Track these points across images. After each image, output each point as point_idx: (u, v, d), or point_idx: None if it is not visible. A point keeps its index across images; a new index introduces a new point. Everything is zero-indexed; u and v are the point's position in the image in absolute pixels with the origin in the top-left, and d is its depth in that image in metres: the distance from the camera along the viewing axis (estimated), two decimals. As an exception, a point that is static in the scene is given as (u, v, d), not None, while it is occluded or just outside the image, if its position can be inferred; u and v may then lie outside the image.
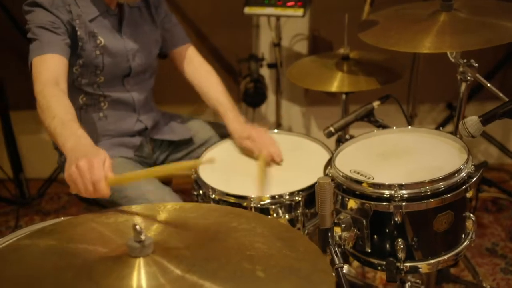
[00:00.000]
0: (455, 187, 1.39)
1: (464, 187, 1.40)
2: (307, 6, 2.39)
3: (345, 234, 1.43)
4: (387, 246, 1.43)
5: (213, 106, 1.97)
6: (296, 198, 1.60)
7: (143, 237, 0.95)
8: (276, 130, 2.01)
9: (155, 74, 1.98)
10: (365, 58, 2.12)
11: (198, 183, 1.72)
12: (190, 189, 1.79)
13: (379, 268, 1.46)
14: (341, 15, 2.01)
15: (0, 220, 2.88)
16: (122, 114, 1.86)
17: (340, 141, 2.02)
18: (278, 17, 2.58)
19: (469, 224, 1.46)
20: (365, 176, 1.46)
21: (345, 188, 1.46)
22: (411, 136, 1.66)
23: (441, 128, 1.65)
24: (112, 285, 0.92)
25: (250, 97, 2.72)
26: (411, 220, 1.40)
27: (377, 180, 1.44)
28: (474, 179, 1.41)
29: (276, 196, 1.59)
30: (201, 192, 1.70)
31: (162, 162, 2.02)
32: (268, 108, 2.99)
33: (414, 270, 1.45)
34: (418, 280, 1.67)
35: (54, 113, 1.46)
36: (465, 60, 1.67)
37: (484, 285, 2.04)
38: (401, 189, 1.37)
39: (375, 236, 1.44)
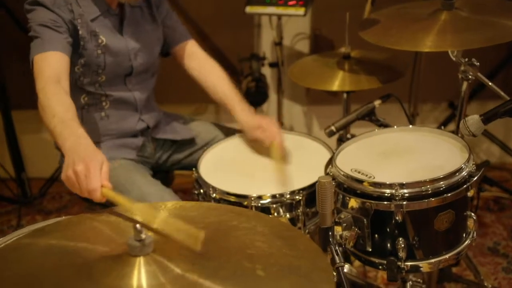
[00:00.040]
0: (456, 186, 1.39)
1: (465, 186, 1.40)
2: (308, 5, 2.39)
3: (346, 233, 1.43)
4: (388, 245, 1.43)
5: (221, 99, 1.95)
6: (297, 197, 1.60)
7: (143, 236, 0.95)
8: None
9: (157, 73, 1.98)
10: (366, 57, 2.12)
11: (199, 182, 1.72)
12: (191, 188, 1.79)
13: (380, 267, 1.46)
14: (342, 14, 2.01)
15: (2, 220, 2.89)
16: (124, 113, 1.86)
17: (341, 140, 2.02)
18: (279, 16, 2.58)
19: (470, 223, 1.46)
20: (366, 175, 1.46)
21: (346, 187, 1.46)
22: (412, 135, 1.65)
23: (442, 127, 1.65)
24: (112, 284, 0.91)
25: (251, 96, 2.72)
26: (412, 219, 1.39)
27: (378, 179, 1.43)
28: (475, 178, 1.41)
29: (277, 195, 1.59)
30: (202, 191, 1.70)
31: (165, 162, 2.02)
32: (270, 107, 2.98)
33: (415, 270, 1.44)
34: (419, 279, 1.67)
35: (54, 112, 1.46)
36: (466, 59, 1.66)
37: (486, 284, 2.04)
38: (402, 188, 1.37)
39: (376, 235, 1.43)
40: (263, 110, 2.99)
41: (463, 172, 1.40)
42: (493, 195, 2.75)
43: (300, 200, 1.60)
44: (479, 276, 2.07)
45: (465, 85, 1.72)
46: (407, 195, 1.37)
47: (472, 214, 1.46)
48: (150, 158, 1.96)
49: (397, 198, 1.37)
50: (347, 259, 1.88)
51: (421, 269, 1.44)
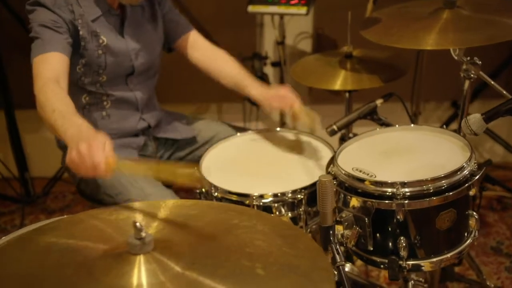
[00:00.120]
0: (457, 185, 1.38)
1: (466, 185, 1.39)
2: (310, 4, 2.39)
3: (347, 232, 1.43)
4: (390, 244, 1.43)
5: (232, 80, 1.94)
6: (299, 196, 1.59)
7: (143, 234, 0.96)
8: (278, 128, 2.01)
9: (158, 72, 1.99)
10: (368, 56, 2.12)
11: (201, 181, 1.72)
12: (193, 187, 1.79)
13: (382, 266, 1.45)
14: (344, 13, 2.01)
15: (6, 219, 2.90)
16: (125, 113, 1.87)
17: (343, 139, 2.02)
18: (281, 16, 2.58)
19: (472, 222, 1.46)
20: (368, 174, 1.46)
21: (347, 186, 1.46)
22: (413, 134, 1.65)
23: (444, 126, 1.64)
24: (112, 282, 0.92)
25: (253, 96, 2.72)
26: (413, 218, 1.39)
27: (380, 178, 1.43)
28: (477, 177, 1.41)
29: (279, 194, 1.59)
30: (203, 190, 1.70)
31: (166, 161, 2.02)
32: (272, 106, 2.98)
33: (416, 269, 1.44)
34: (421, 279, 1.66)
35: (54, 107, 1.47)
36: (468, 58, 1.66)
37: (488, 283, 2.03)
38: (403, 187, 1.37)
39: (377, 234, 1.43)
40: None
41: (465, 171, 1.40)
42: (496, 194, 2.74)
43: (301, 199, 1.60)
44: (481, 275, 2.06)
45: (467, 83, 1.71)
46: (408, 194, 1.37)
47: (474, 213, 1.45)
48: (151, 157, 1.96)
49: (398, 197, 1.37)
50: (349, 259, 1.88)
51: (423, 268, 1.44)
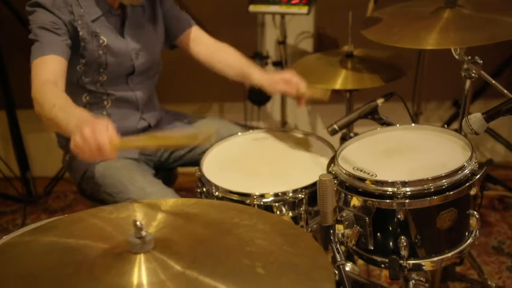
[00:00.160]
0: (458, 184, 1.38)
1: (467, 184, 1.39)
2: (312, 3, 2.39)
3: (347, 231, 1.43)
4: (390, 243, 1.42)
5: (235, 71, 1.96)
6: (299, 195, 1.59)
7: (143, 233, 0.95)
8: (279, 128, 2.01)
9: (159, 72, 1.99)
10: (369, 56, 2.11)
11: (202, 180, 1.72)
12: (194, 187, 1.79)
13: (382, 265, 1.45)
14: (346, 12, 2.01)
15: (8, 218, 2.90)
16: (125, 112, 1.87)
17: (344, 139, 2.02)
18: (283, 15, 2.58)
19: (472, 221, 1.45)
20: (368, 174, 1.46)
21: (348, 185, 1.46)
22: (414, 134, 1.65)
23: (445, 126, 1.64)
24: (112, 281, 0.92)
25: (255, 95, 2.73)
26: (414, 217, 1.39)
27: (380, 177, 1.43)
28: (478, 176, 1.40)
29: (279, 194, 1.59)
30: (204, 189, 1.70)
31: (167, 159, 2.02)
32: (274, 106, 2.99)
33: (417, 268, 1.44)
34: (422, 278, 1.66)
35: (53, 102, 1.48)
36: (469, 57, 1.66)
37: (490, 283, 2.03)
38: (404, 186, 1.37)
39: (378, 234, 1.43)
40: (267, 110, 3.00)
41: (466, 170, 1.40)
42: (497, 194, 2.74)
43: (302, 198, 1.60)
44: (482, 275, 2.06)
45: (468, 83, 1.71)
46: (409, 193, 1.37)
47: (475, 212, 1.45)
48: (152, 156, 1.96)
49: (399, 196, 1.36)
50: (350, 258, 1.88)
51: (424, 267, 1.44)
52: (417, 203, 1.37)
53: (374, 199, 1.39)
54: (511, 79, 2.78)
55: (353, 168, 1.49)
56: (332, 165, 1.54)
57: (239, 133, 1.96)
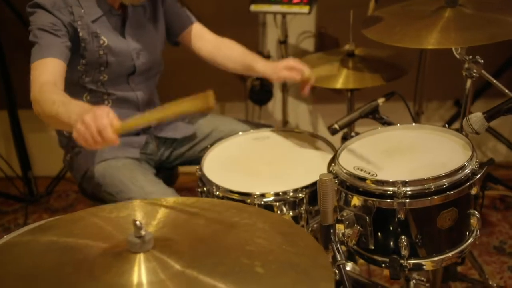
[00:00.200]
0: (459, 184, 1.38)
1: (468, 184, 1.39)
2: (313, 3, 2.39)
3: (348, 231, 1.43)
4: (391, 243, 1.42)
5: (238, 63, 1.97)
6: (300, 195, 1.59)
7: (143, 232, 0.96)
8: (280, 127, 2.01)
9: (161, 71, 1.99)
10: (370, 55, 2.11)
11: (203, 180, 1.72)
12: (195, 186, 1.80)
13: (383, 265, 1.45)
14: (347, 12, 2.01)
15: (9, 218, 2.91)
16: (126, 112, 1.86)
17: (345, 138, 2.02)
18: (284, 15, 2.58)
19: (473, 221, 1.45)
20: (369, 173, 1.46)
21: (349, 185, 1.46)
22: (415, 133, 1.65)
23: (446, 125, 1.64)
24: (112, 280, 0.92)
25: (256, 95, 2.73)
26: (414, 217, 1.39)
27: (381, 177, 1.43)
28: (478, 176, 1.40)
29: (280, 193, 1.59)
30: (205, 189, 1.70)
31: (168, 158, 2.03)
32: (275, 105, 2.98)
33: (418, 268, 1.44)
34: (423, 278, 1.66)
35: (53, 99, 1.49)
36: (470, 57, 1.65)
37: (491, 283, 2.03)
38: (404, 186, 1.37)
39: (379, 233, 1.43)
40: (269, 109, 3.00)
41: (466, 170, 1.39)
42: (499, 193, 2.73)
43: (303, 198, 1.60)
44: (484, 275, 2.06)
45: (469, 82, 1.71)
46: (409, 193, 1.37)
47: (476, 212, 1.45)
48: (153, 155, 1.97)
49: (399, 196, 1.36)
50: (352, 258, 1.88)
51: (424, 267, 1.44)
52: (417, 202, 1.37)
53: (375, 199, 1.39)
54: (512, 78, 2.77)
55: (354, 168, 1.48)
56: (333, 164, 1.53)
57: (240, 133, 1.96)
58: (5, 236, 1.25)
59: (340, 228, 1.42)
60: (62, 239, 1.03)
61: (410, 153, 1.55)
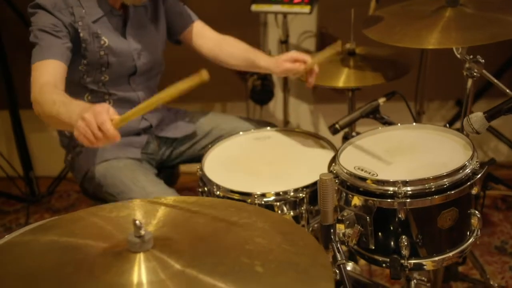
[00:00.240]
0: (459, 184, 1.38)
1: (468, 183, 1.39)
2: (314, 3, 2.39)
3: (348, 231, 1.42)
4: (391, 243, 1.42)
5: (241, 60, 1.96)
6: (300, 194, 1.59)
7: (142, 232, 0.96)
8: (281, 127, 2.01)
9: (162, 71, 1.99)
10: (371, 54, 2.11)
11: (203, 180, 1.72)
12: (196, 186, 1.80)
13: (384, 265, 1.45)
14: (348, 12, 2.01)
15: (11, 218, 2.91)
16: (127, 112, 1.87)
17: (346, 138, 2.02)
18: (285, 14, 2.58)
19: (474, 221, 1.45)
20: (369, 173, 1.46)
21: (349, 185, 1.46)
22: (416, 133, 1.65)
23: (447, 125, 1.64)
24: (112, 280, 0.92)
25: (257, 95, 2.73)
26: (415, 217, 1.39)
27: (381, 176, 1.43)
28: (479, 175, 1.40)
29: (281, 193, 1.59)
30: (206, 189, 1.70)
31: (169, 157, 2.03)
32: (276, 105, 2.98)
33: (418, 267, 1.44)
34: (423, 278, 1.66)
35: (53, 100, 1.49)
36: (471, 56, 1.65)
37: (492, 283, 2.02)
38: (405, 185, 1.36)
39: (379, 233, 1.43)
40: (270, 109, 3.00)
41: (467, 170, 1.39)
42: (501, 193, 2.72)
43: (303, 197, 1.60)
44: (485, 275, 2.05)
45: (470, 82, 1.70)
46: (410, 192, 1.36)
47: (476, 212, 1.45)
48: (154, 154, 1.97)
49: (400, 195, 1.36)
50: (353, 258, 1.88)
51: (425, 267, 1.44)
52: (418, 202, 1.37)
53: (375, 199, 1.39)
54: (514, 78, 2.77)
55: (354, 168, 1.48)
56: (333, 164, 1.53)
57: (241, 133, 1.96)
58: (6, 236, 1.25)
59: (340, 228, 1.42)
60: (62, 239, 1.04)
61: (411, 153, 1.55)
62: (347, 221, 1.43)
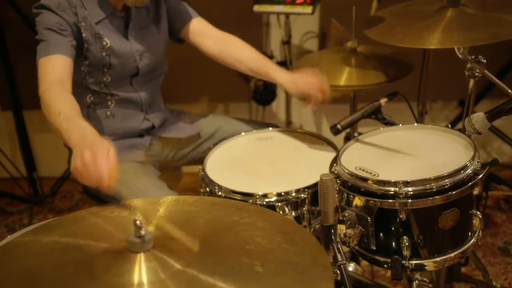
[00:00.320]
0: (460, 184, 1.38)
1: (470, 184, 1.39)
2: (316, 3, 2.39)
3: (349, 231, 1.43)
4: (392, 243, 1.42)
5: (251, 66, 1.92)
6: (302, 195, 1.59)
7: (143, 232, 0.96)
8: (282, 128, 2.01)
9: (164, 72, 1.99)
10: (373, 53, 2.10)
11: (205, 180, 1.73)
12: (198, 187, 1.80)
13: (385, 266, 1.45)
14: (350, 12, 2.01)
15: (14, 218, 2.92)
16: (129, 112, 1.88)
17: (348, 139, 2.02)
18: (287, 15, 2.58)
19: (475, 221, 1.45)
20: (371, 173, 1.46)
21: (350, 185, 1.46)
22: (417, 133, 1.65)
23: (449, 125, 1.64)
24: (113, 280, 0.92)
25: (259, 95, 2.73)
26: (416, 217, 1.38)
27: (382, 177, 1.43)
28: (480, 176, 1.40)
29: (282, 193, 1.59)
30: (208, 189, 1.71)
31: (172, 158, 2.03)
32: (279, 106, 2.99)
33: (420, 268, 1.43)
34: (425, 279, 1.65)
35: (59, 110, 1.48)
36: (473, 56, 1.65)
37: (495, 284, 2.02)
38: (406, 186, 1.36)
39: (380, 234, 1.43)
40: (272, 109, 3.00)
41: (468, 170, 1.39)
42: (504, 194, 2.72)
43: (305, 198, 1.60)
44: (488, 276, 2.05)
45: (471, 82, 1.70)
46: (411, 193, 1.36)
47: (478, 212, 1.45)
48: (157, 156, 1.97)
49: (401, 196, 1.36)
50: (355, 258, 1.87)
51: (426, 267, 1.43)
52: (419, 203, 1.37)
53: (376, 199, 1.39)
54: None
55: (356, 168, 1.48)
56: (335, 164, 1.53)
57: (243, 133, 1.96)
58: (8, 236, 1.26)
59: (341, 228, 1.42)
60: (63, 239, 1.04)
61: (412, 153, 1.55)
62: (348, 221, 1.43)
